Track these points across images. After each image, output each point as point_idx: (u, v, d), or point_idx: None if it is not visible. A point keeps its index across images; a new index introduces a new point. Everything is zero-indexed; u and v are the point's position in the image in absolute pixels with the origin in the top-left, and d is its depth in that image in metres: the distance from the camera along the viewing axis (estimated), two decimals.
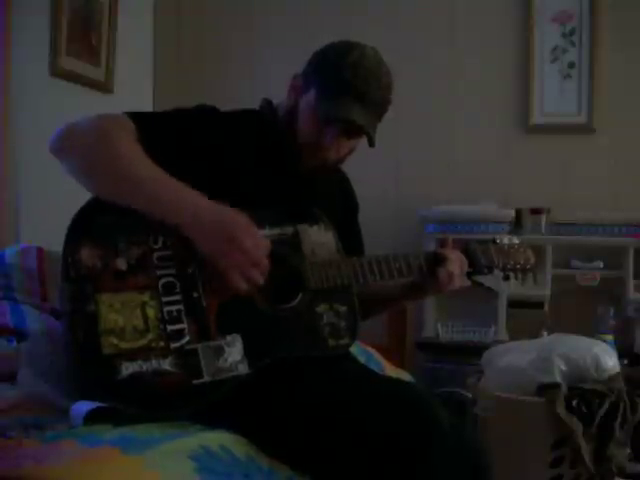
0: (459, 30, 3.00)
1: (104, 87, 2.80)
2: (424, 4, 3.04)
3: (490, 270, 1.58)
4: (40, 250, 1.75)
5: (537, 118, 2.92)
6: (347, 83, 1.34)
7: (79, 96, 2.67)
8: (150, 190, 1.19)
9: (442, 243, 1.51)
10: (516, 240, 1.65)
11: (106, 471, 0.95)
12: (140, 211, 1.20)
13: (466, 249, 1.53)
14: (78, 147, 1.24)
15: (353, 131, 1.38)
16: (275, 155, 1.42)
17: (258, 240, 1.20)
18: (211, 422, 1.17)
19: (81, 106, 2.60)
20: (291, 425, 1.18)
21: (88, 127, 1.25)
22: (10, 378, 1.38)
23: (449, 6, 3.02)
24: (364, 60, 1.36)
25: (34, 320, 1.56)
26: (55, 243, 1.27)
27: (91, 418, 1.11)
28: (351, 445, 1.12)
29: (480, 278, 1.61)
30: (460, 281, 1.47)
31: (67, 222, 1.23)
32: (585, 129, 2.87)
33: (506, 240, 1.63)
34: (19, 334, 1.50)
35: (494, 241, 1.61)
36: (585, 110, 2.86)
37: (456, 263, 1.45)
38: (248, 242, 1.18)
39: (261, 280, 1.21)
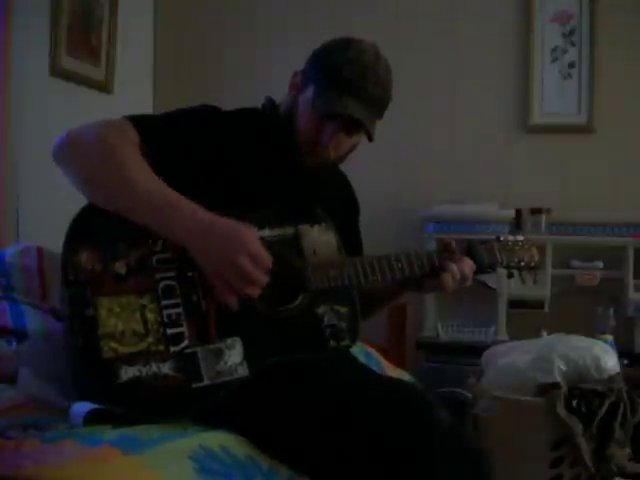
0: (459, 30, 3.00)
1: (104, 87, 2.80)
2: (424, 4, 3.04)
3: (493, 269, 1.56)
4: (40, 250, 1.74)
5: (537, 118, 2.92)
6: (344, 79, 1.34)
7: (79, 96, 2.67)
8: (154, 202, 1.18)
9: (445, 246, 1.46)
10: (520, 237, 1.63)
11: (106, 471, 0.95)
12: (142, 223, 1.19)
13: (468, 248, 1.49)
14: (82, 160, 1.23)
15: (351, 126, 1.37)
16: (276, 154, 1.42)
17: (259, 259, 1.18)
18: (211, 423, 1.16)
19: (81, 106, 2.62)
20: (291, 426, 1.18)
21: (92, 139, 1.23)
22: (10, 379, 1.38)
23: (449, 6, 3.02)
24: (362, 56, 1.35)
25: (33, 320, 1.55)
26: (55, 243, 1.27)
27: (91, 418, 1.10)
28: (351, 445, 1.12)
29: (483, 277, 1.60)
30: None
31: (67, 222, 1.22)
32: (585, 129, 2.87)
33: (510, 237, 1.62)
34: (18, 334, 1.50)
35: (498, 239, 1.59)
36: (585, 110, 2.86)
37: (464, 266, 1.42)
38: (249, 266, 1.17)
39: (255, 294, 1.20)
